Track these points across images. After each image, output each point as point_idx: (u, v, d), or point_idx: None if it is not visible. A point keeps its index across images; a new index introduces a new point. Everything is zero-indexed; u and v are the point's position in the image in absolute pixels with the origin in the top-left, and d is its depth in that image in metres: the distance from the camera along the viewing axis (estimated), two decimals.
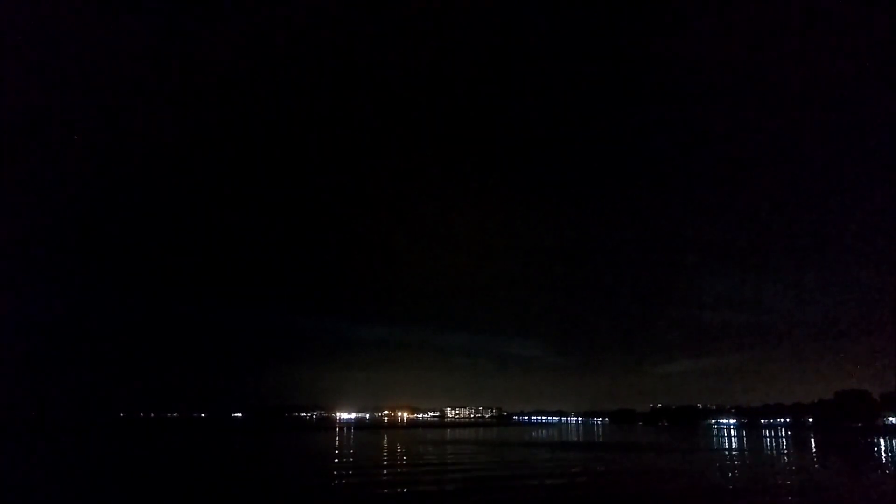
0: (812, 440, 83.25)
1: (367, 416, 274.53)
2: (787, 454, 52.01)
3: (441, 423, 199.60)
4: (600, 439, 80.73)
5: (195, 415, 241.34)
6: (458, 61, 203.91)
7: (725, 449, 60.33)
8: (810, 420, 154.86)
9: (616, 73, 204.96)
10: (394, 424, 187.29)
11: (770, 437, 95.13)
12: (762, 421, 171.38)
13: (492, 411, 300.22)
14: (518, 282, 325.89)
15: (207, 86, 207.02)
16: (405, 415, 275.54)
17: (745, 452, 53.97)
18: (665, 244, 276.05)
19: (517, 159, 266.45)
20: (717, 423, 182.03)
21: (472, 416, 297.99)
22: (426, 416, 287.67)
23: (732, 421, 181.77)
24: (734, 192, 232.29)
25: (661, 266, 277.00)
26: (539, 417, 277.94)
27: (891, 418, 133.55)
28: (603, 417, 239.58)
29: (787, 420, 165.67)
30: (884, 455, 51.46)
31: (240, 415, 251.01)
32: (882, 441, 78.17)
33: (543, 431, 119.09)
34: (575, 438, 79.54)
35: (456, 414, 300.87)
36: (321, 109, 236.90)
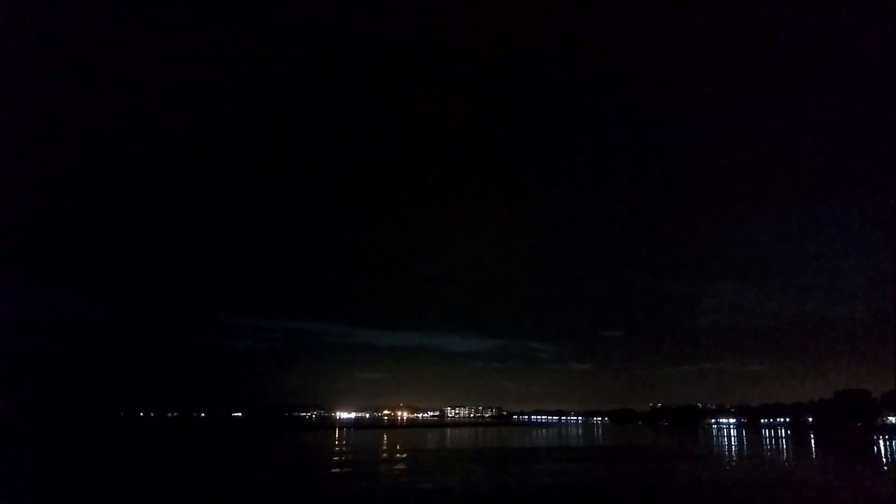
0: (818, 441, 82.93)
1: (367, 415, 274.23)
2: (792, 458, 51.88)
3: (441, 423, 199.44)
4: (608, 443, 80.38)
5: (195, 415, 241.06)
6: (461, 63, 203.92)
7: (738, 454, 60.19)
8: (810, 420, 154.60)
9: (619, 79, 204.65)
10: (393, 424, 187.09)
11: (771, 437, 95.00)
12: (762, 421, 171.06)
13: (491, 411, 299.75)
14: (520, 284, 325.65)
15: (210, 88, 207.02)
16: (405, 414, 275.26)
17: (746, 457, 53.82)
18: (667, 248, 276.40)
19: (525, 165, 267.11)
20: (717, 423, 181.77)
21: (471, 415, 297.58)
22: (426, 415, 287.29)
23: (732, 421, 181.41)
24: (734, 195, 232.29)
25: (663, 269, 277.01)
26: (539, 417, 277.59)
27: (891, 418, 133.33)
28: (602, 417, 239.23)
29: (787, 420, 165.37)
30: (884, 455, 51.38)
31: (240, 414, 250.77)
32: (882, 441, 78.06)
33: (544, 432, 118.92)
34: (581, 442, 78.47)
35: (456, 413, 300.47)
36: (324, 111, 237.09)
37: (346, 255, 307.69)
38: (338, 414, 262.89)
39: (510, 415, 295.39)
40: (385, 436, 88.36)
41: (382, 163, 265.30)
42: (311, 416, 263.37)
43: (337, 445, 64.19)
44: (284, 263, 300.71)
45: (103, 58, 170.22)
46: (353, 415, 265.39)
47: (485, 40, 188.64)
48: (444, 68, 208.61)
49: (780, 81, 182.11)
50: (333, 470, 35.83)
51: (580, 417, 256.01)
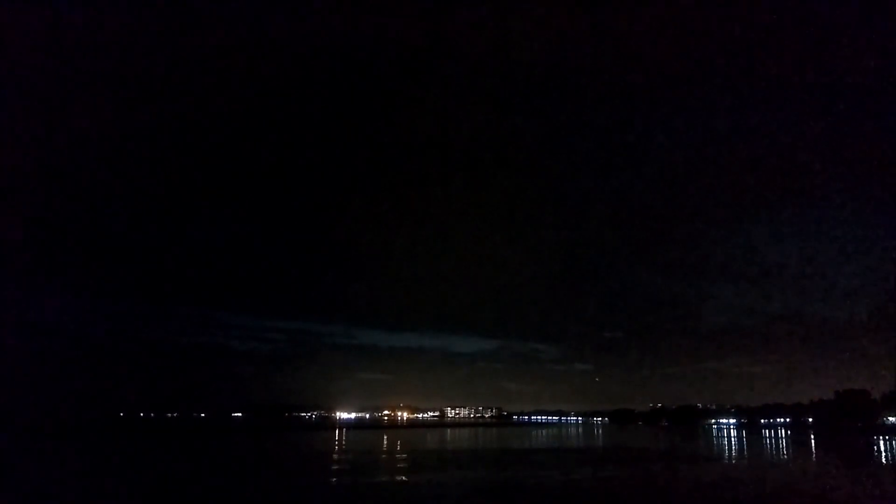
0: (818, 441, 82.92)
1: (367, 415, 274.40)
2: (792, 459, 51.90)
3: (441, 423, 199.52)
4: (608, 443, 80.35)
5: (195, 415, 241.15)
6: (463, 64, 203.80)
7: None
8: (810, 420, 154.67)
9: (621, 81, 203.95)
10: (394, 424, 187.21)
11: (771, 437, 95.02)
12: (762, 421, 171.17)
13: (492, 411, 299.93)
14: (521, 285, 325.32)
15: (214, 88, 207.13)
16: (405, 415, 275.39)
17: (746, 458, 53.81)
18: (668, 249, 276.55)
19: (527, 166, 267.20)
20: (717, 424, 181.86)
21: (472, 415, 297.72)
22: (426, 415, 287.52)
23: (732, 421, 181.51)
24: (735, 197, 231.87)
25: (665, 270, 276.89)
26: (539, 417, 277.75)
27: (891, 418, 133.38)
28: (602, 417, 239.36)
29: (787, 420, 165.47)
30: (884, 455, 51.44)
31: (239, 414, 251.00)
32: (882, 441, 78.13)
33: (545, 432, 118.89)
34: (589, 444, 77.15)
35: (456, 414, 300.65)
36: (326, 112, 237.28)
37: (347, 256, 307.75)
38: (338, 414, 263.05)
39: (510, 415, 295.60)
40: (386, 436, 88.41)
41: (384, 164, 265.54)
42: (311, 417, 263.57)
43: (338, 445, 64.24)
44: (286, 264, 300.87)
45: (105, 58, 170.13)
46: (352, 415, 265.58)
47: (487, 41, 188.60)
48: (446, 69, 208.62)
49: (780, 85, 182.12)
50: (334, 467, 35.91)
51: (580, 418, 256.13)
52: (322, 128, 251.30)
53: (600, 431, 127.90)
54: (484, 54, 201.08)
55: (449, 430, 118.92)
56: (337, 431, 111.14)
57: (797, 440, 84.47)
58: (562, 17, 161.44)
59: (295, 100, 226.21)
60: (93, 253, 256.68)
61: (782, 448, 64.62)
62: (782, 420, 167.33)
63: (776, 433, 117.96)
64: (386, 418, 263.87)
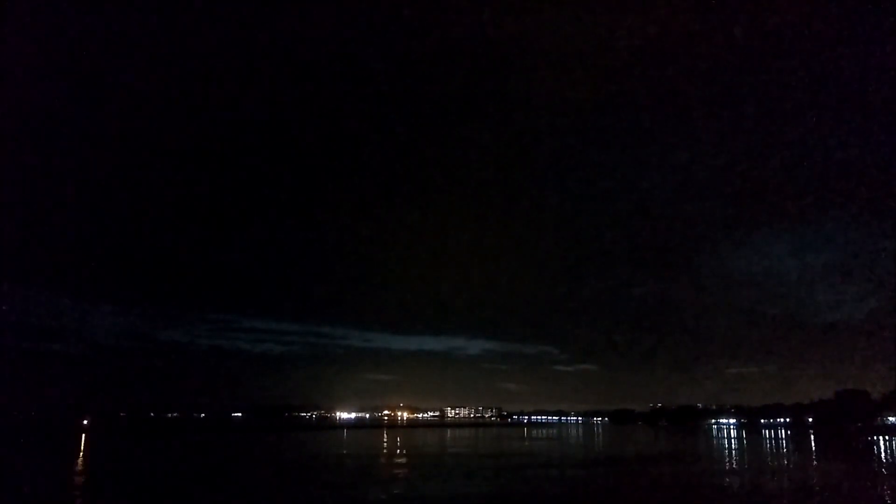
0: (818, 441, 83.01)
1: (367, 415, 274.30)
2: (793, 459, 52.00)
3: (441, 424, 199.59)
4: (609, 443, 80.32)
5: (195, 415, 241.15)
6: (460, 65, 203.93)
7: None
8: (810, 420, 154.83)
9: (626, 93, 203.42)
10: (394, 424, 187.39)
11: (771, 437, 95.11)
12: (762, 421, 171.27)
13: (492, 411, 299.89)
14: (522, 287, 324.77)
15: (225, 91, 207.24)
16: (405, 415, 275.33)
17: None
18: (670, 251, 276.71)
19: (530, 169, 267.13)
20: (717, 424, 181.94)
21: (472, 415, 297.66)
22: (426, 415, 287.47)
23: (732, 421, 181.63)
24: (736, 200, 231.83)
25: (666, 272, 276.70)
26: (539, 417, 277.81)
27: (890, 418, 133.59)
28: (602, 418, 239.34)
29: (787, 420, 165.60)
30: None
31: (239, 415, 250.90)
32: (882, 441, 78.28)
33: (545, 433, 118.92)
34: (596, 446, 75.39)
35: (456, 414, 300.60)
36: (341, 120, 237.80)
37: (350, 259, 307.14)
38: (338, 414, 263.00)
39: (510, 415, 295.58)
40: (393, 436, 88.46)
41: (391, 172, 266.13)
42: (311, 417, 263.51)
43: (342, 445, 64.30)
44: (297, 270, 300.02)
45: (112, 60, 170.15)
46: (353, 415, 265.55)
47: (486, 38, 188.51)
48: (450, 76, 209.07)
49: (780, 89, 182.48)
50: (341, 467, 36.00)
51: (580, 418, 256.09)
52: (336, 136, 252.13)
53: (600, 431, 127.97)
54: (486, 60, 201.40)
55: (450, 431, 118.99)
56: (342, 431, 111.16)
57: (797, 440, 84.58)
58: (565, 20, 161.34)
59: (307, 109, 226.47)
60: (93, 253, 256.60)
61: (783, 448, 64.73)
62: (782, 420, 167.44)
63: (776, 433, 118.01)
64: (386, 419, 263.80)
